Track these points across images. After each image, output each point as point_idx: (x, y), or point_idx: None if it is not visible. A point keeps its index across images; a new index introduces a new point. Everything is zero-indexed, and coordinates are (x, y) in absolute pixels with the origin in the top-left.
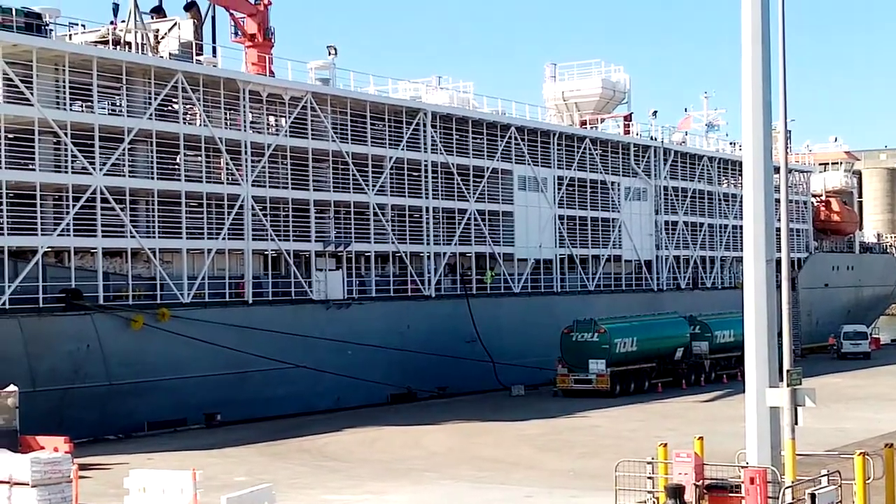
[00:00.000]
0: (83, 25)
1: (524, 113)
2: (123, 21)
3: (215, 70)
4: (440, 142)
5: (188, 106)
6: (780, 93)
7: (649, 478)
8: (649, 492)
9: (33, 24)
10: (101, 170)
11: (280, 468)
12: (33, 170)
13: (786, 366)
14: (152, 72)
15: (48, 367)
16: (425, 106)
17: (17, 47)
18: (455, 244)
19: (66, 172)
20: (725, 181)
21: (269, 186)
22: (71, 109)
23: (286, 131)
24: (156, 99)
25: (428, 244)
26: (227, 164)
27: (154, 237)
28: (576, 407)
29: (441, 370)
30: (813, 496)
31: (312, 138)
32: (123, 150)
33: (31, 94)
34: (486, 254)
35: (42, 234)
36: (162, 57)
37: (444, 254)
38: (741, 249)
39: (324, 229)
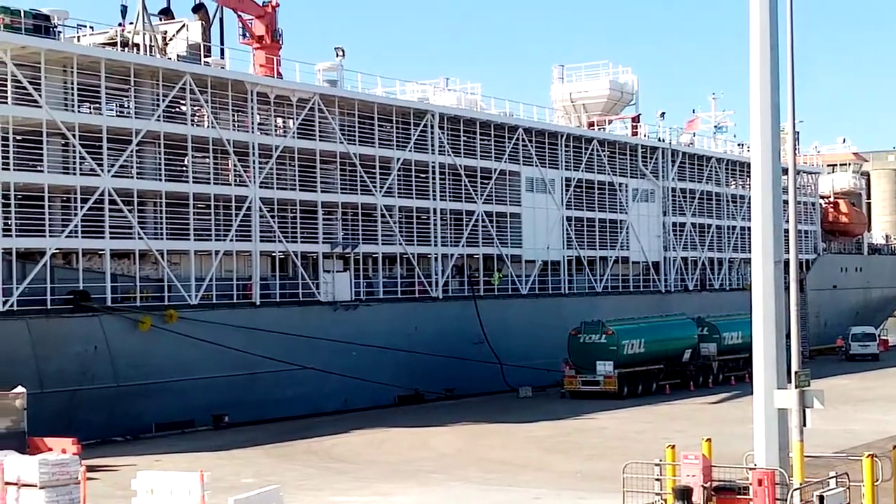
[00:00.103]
0: (91, 27)
1: (532, 114)
2: (131, 23)
3: (223, 72)
4: (448, 143)
5: (196, 108)
6: (788, 94)
7: (657, 479)
8: (657, 493)
9: (41, 25)
10: (109, 171)
11: (288, 470)
12: (41, 171)
13: (794, 367)
14: (160, 73)
15: (56, 368)
16: (433, 107)
17: (25, 49)
18: (462, 245)
19: (75, 174)
20: (733, 182)
21: (277, 188)
22: (79, 111)
23: (294, 133)
24: (164, 101)
25: (435, 245)
26: (234, 165)
27: (162, 239)
28: (583, 408)
29: (449, 372)
30: (821, 498)
31: (320, 140)
32: (131, 151)
33: (40, 95)
34: (493, 255)
35: (50, 236)
36: (170, 59)
37: (452, 255)
38: (749, 251)
39: (331, 231)
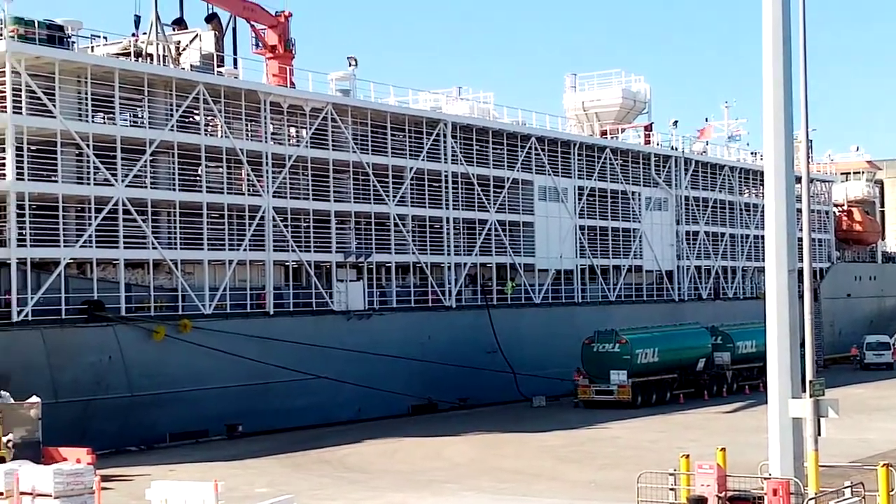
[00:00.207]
0: (105, 37)
1: (544, 123)
2: (145, 33)
3: (236, 81)
4: (460, 152)
5: (209, 117)
6: (802, 103)
7: (671, 489)
8: (671, 503)
9: (56, 36)
10: (123, 181)
11: (301, 479)
12: (56, 181)
13: (808, 376)
14: (174, 83)
15: (70, 378)
16: (446, 116)
17: (39, 59)
18: (476, 255)
19: (89, 184)
20: (747, 191)
21: (290, 197)
22: (93, 121)
23: (307, 142)
24: (177, 110)
25: (448, 255)
26: (248, 175)
27: (176, 248)
28: (597, 418)
29: (462, 381)
30: None
31: (333, 149)
32: (145, 161)
33: (54, 105)
34: (506, 264)
35: (64, 246)
36: (183, 69)
37: (465, 264)
38: (763, 259)
39: (344, 240)
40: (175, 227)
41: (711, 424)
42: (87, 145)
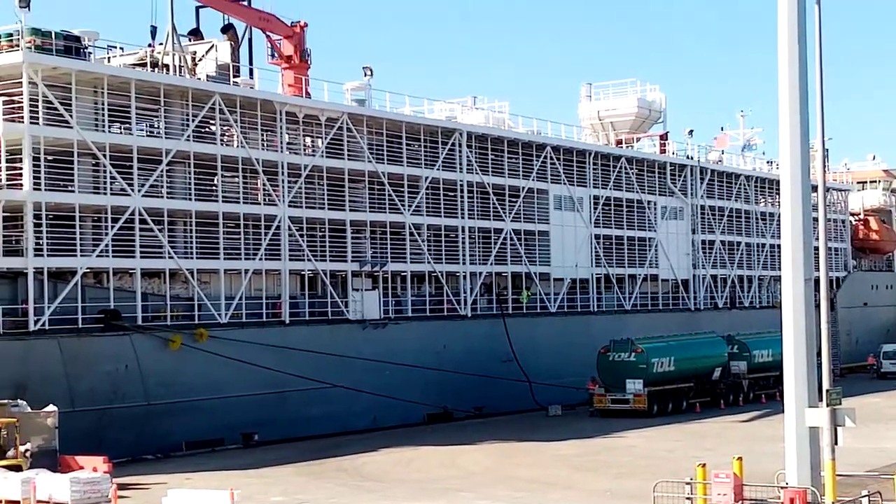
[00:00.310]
0: (121, 48)
1: (560, 132)
2: (161, 43)
3: (252, 92)
4: (476, 162)
5: (225, 127)
6: (818, 111)
7: (688, 499)
8: None
9: (72, 47)
10: (139, 191)
11: (317, 488)
12: (72, 191)
13: (825, 386)
14: (190, 94)
15: (87, 387)
16: (461, 126)
17: (56, 70)
18: (491, 264)
19: (105, 194)
20: (763, 200)
21: (306, 207)
22: (109, 131)
23: (323, 152)
24: (193, 120)
25: (464, 264)
26: (264, 184)
27: (192, 258)
28: (613, 427)
29: (477, 390)
30: None
31: (349, 159)
32: (161, 171)
33: (71, 116)
34: (521, 273)
35: (81, 255)
36: (199, 79)
37: (480, 273)
38: (779, 268)
39: (360, 249)
40: (191, 237)
41: (728, 433)
42: (104, 155)
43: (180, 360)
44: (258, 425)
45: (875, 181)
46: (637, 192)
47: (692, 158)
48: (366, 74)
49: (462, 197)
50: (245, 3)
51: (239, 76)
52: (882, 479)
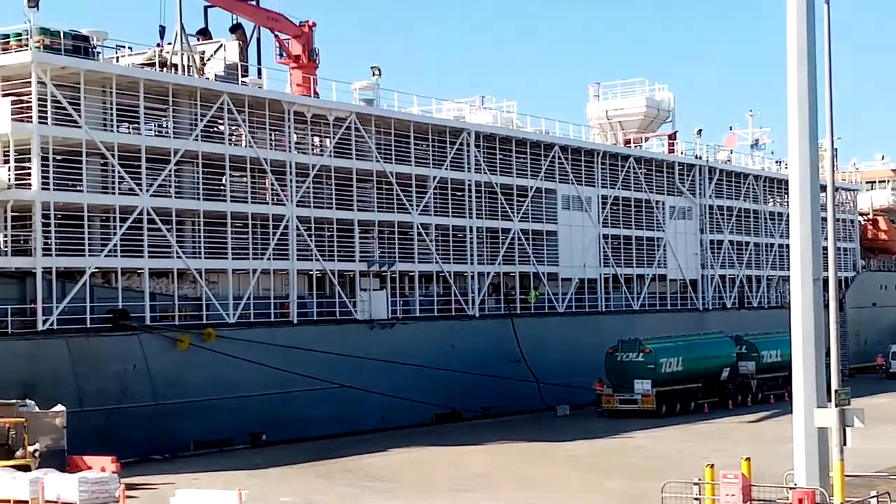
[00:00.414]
0: (130, 48)
1: (568, 132)
2: (170, 43)
3: (260, 91)
4: (484, 161)
5: (233, 127)
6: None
7: (696, 499)
8: None
9: (81, 46)
10: (147, 191)
11: (325, 488)
12: (81, 191)
13: (834, 386)
14: (198, 93)
15: (95, 387)
16: (469, 126)
17: (65, 70)
18: (499, 264)
19: (113, 193)
20: (771, 200)
21: (314, 207)
22: (118, 131)
23: (331, 152)
24: (201, 120)
25: (472, 264)
26: (272, 184)
27: (200, 258)
28: (621, 427)
29: (485, 390)
30: None
31: (357, 158)
32: (170, 171)
33: (79, 115)
34: (530, 273)
35: (89, 255)
36: (207, 79)
37: (488, 273)
38: (788, 268)
39: (368, 249)
40: (199, 237)
41: (736, 434)
42: (112, 155)
43: (188, 360)
44: (266, 425)
45: (884, 181)
46: (645, 191)
47: (701, 158)
48: (374, 74)
49: (470, 197)
50: (253, 2)
51: (247, 76)
52: (891, 479)
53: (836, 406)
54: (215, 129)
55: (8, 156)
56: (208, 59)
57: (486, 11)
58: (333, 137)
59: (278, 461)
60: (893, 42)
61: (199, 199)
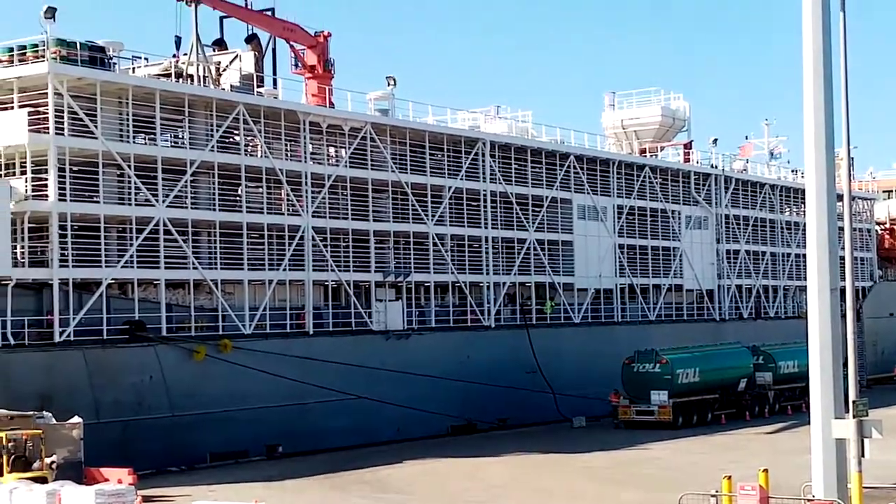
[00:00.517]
0: (146, 59)
1: (583, 142)
2: (185, 54)
3: (276, 102)
4: (499, 171)
5: (249, 137)
6: (843, 120)
7: None
8: None
9: (97, 57)
10: (163, 202)
11: (340, 500)
12: (97, 202)
13: (851, 397)
14: (214, 104)
15: (112, 398)
16: (484, 135)
17: (81, 81)
18: (514, 274)
19: (130, 204)
20: (788, 209)
21: (330, 217)
22: (134, 142)
23: (346, 162)
24: (217, 131)
25: (487, 274)
26: (287, 195)
27: (216, 268)
28: (638, 439)
29: (501, 401)
30: None
31: (372, 169)
32: (186, 181)
33: (95, 126)
34: (545, 283)
35: (106, 266)
36: (223, 89)
37: (504, 284)
38: (805, 278)
39: (383, 259)
40: (215, 248)
41: (753, 445)
42: (129, 166)
43: (204, 372)
44: (282, 437)
45: None
46: (661, 201)
47: (716, 167)
48: (389, 84)
49: (485, 206)
50: (269, 13)
51: (263, 86)
52: None
53: (854, 417)
54: (231, 139)
55: (25, 167)
56: (224, 70)
57: (501, 21)
58: (349, 148)
59: (294, 473)
60: None
61: (214, 209)
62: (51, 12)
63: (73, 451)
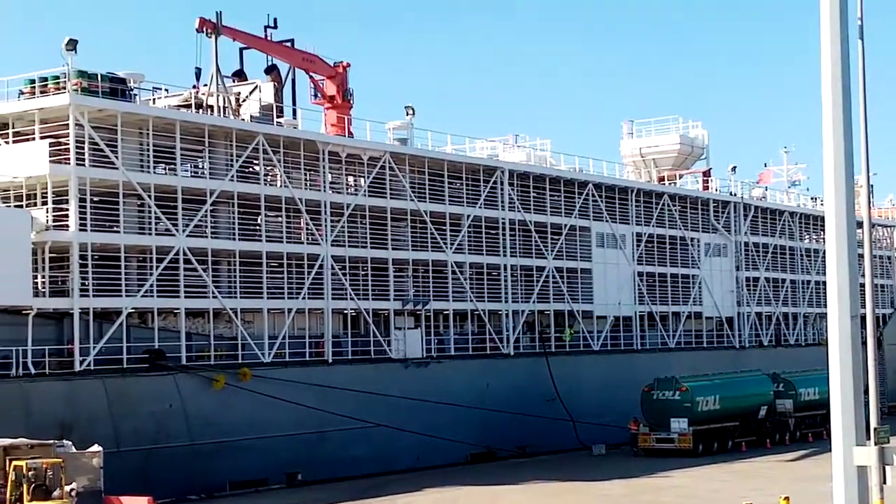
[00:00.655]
0: (166, 90)
1: (602, 170)
2: (206, 85)
3: (295, 132)
4: (518, 199)
5: (269, 167)
6: (862, 147)
7: None
8: None
9: (118, 89)
10: (184, 231)
11: None
12: (118, 232)
13: (873, 424)
14: (234, 134)
15: (132, 427)
16: (502, 164)
17: (102, 112)
18: (533, 301)
19: (150, 234)
20: (807, 236)
21: (349, 246)
22: (154, 172)
23: (365, 191)
24: (237, 161)
25: (506, 302)
26: (307, 224)
27: (236, 297)
28: (658, 466)
29: (521, 429)
30: None
31: (391, 197)
32: (206, 211)
33: (116, 157)
34: (564, 311)
35: (126, 296)
36: (243, 119)
37: (523, 311)
38: (825, 305)
39: (402, 288)
40: (235, 277)
41: (774, 473)
42: (149, 196)
43: (224, 400)
44: (302, 465)
45: None
46: (680, 228)
47: (735, 195)
48: (408, 114)
49: (504, 235)
50: (289, 44)
51: (282, 116)
52: None
53: (876, 444)
54: (251, 169)
55: (46, 197)
56: (244, 101)
57: (519, 50)
58: (368, 177)
59: (314, 501)
60: None
61: (234, 239)
62: (72, 44)
63: (93, 479)
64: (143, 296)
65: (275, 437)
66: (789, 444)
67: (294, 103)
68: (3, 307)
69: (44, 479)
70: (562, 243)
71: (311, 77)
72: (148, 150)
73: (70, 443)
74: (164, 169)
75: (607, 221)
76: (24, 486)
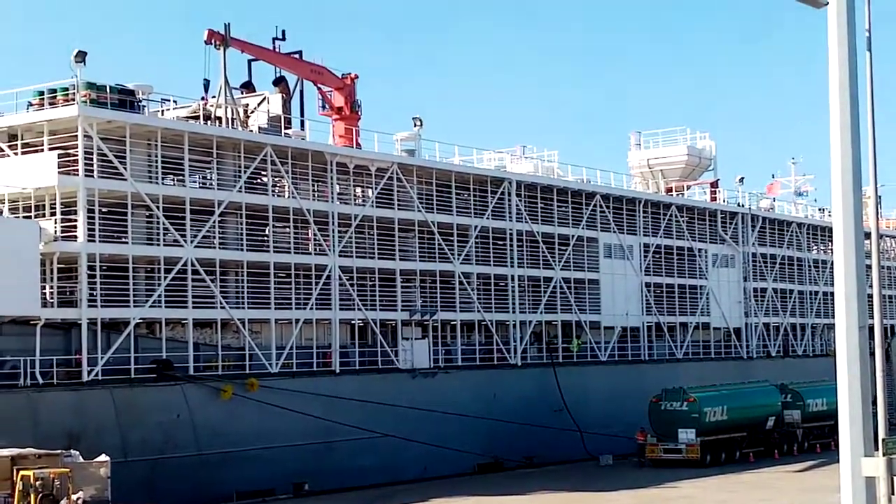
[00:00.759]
0: (175, 101)
1: (609, 181)
2: (214, 96)
3: (303, 143)
4: (525, 210)
5: (277, 178)
6: (870, 158)
7: None
8: None
9: (127, 100)
10: (191, 242)
11: None
12: (126, 242)
13: (881, 435)
14: (242, 145)
15: (139, 437)
16: (510, 175)
17: (111, 123)
18: (541, 312)
19: (158, 245)
20: (815, 247)
21: (356, 256)
22: (163, 183)
23: (373, 202)
24: (245, 172)
25: (514, 312)
26: (314, 234)
27: (243, 308)
28: (665, 477)
29: (528, 439)
30: None
31: (399, 208)
32: (214, 222)
33: (125, 168)
34: (572, 322)
35: (134, 306)
36: (251, 131)
37: (530, 322)
38: (832, 316)
39: (410, 298)
40: (243, 287)
41: (782, 484)
42: (157, 207)
43: (231, 410)
44: (309, 475)
45: None
46: (688, 239)
47: (743, 206)
48: (416, 125)
49: (511, 245)
50: (297, 56)
51: (290, 128)
52: None
53: (884, 455)
54: (259, 180)
55: (55, 208)
56: (252, 112)
57: (526, 61)
58: (375, 188)
59: None
60: None
61: (242, 249)
62: (81, 56)
63: (101, 489)
64: (150, 306)
65: (282, 447)
66: (797, 454)
67: (302, 114)
68: (11, 317)
69: (51, 489)
70: (569, 254)
71: (319, 88)
72: (156, 161)
73: (77, 453)
74: (173, 180)
75: (615, 232)
76: (32, 496)
